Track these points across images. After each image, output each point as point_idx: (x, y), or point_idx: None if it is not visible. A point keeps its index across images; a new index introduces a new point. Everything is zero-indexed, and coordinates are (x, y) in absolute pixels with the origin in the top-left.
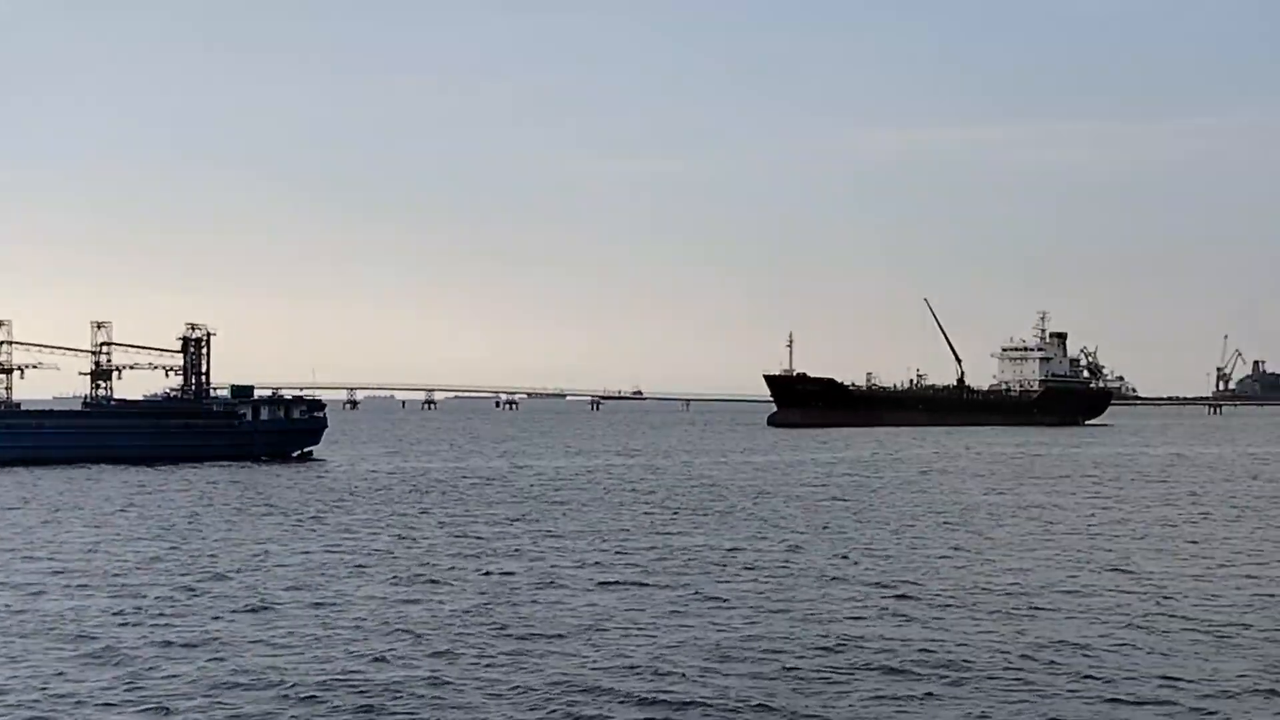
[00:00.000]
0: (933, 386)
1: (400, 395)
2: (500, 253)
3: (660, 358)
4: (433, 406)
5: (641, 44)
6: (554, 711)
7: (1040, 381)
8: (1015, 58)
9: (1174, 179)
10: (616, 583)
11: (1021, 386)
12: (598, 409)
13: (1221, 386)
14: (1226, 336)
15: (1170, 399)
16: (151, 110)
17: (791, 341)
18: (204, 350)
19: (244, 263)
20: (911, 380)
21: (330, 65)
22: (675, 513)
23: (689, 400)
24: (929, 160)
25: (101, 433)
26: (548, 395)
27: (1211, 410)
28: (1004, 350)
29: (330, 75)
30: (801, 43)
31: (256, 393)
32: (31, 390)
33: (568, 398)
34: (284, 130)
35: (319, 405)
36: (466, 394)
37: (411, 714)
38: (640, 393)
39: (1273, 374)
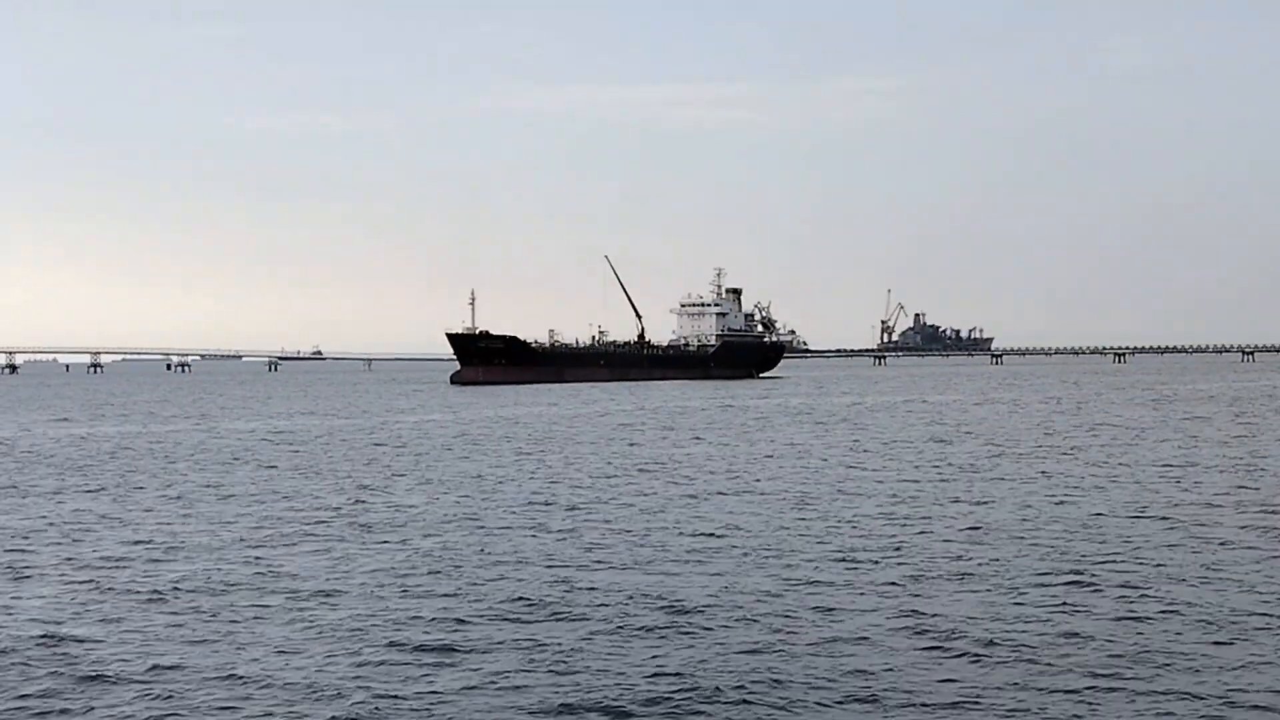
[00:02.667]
0: (614, 342)
1: (64, 359)
2: (171, 213)
3: (340, 318)
4: (99, 370)
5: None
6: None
7: (717, 336)
8: (679, 18)
9: (839, 138)
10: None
11: (699, 341)
12: (276, 370)
13: (885, 338)
14: (890, 290)
15: (839, 351)
16: None
17: (474, 299)
18: None
19: None
20: (593, 337)
21: None
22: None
23: (370, 360)
24: (604, 117)
25: None
26: (223, 357)
27: (876, 361)
28: (682, 306)
29: None
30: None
31: None
32: None
33: (244, 359)
34: None
35: None
36: (136, 356)
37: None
38: (320, 353)
39: (932, 326)
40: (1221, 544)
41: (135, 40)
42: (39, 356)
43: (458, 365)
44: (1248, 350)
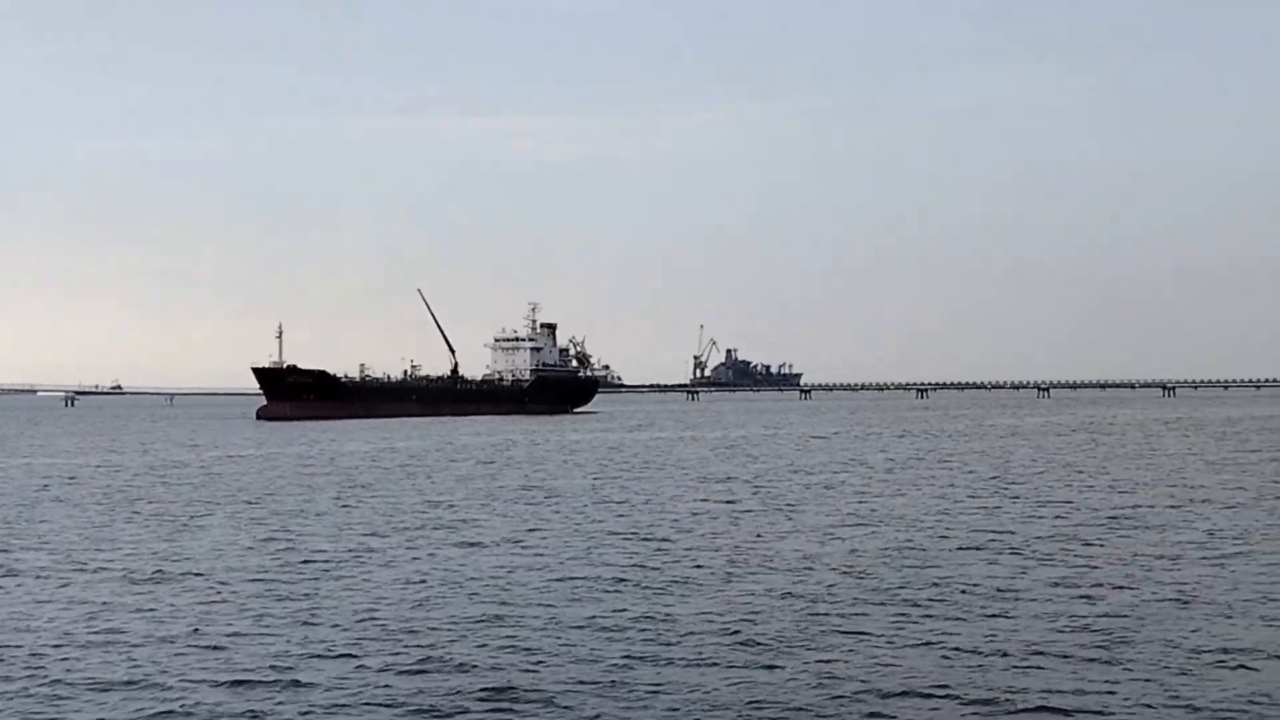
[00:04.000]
0: (426, 377)
1: None
2: None
3: (142, 351)
4: None
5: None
6: None
7: (532, 371)
8: (494, 48)
9: (652, 173)
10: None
11: (514, 376)
12: (73, 405)
13: (699, 374)
14: (702, 326)
15: (653, 386)
16: None
17: (281, 333)
18: None
19: None
20: (405, 371)
21: None
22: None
23: (173, 394)
24: (418, 148)
25: None
26: (15, 391)
27: (690, 396)
28: (496, 341)
29: None
30: (267, 22)
31: None
32: None
33: (39, 393)
34: None
35: None
36: None
37: None
38: (120, 387)
39: (744, 361)
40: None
41: None
42: None
43: (264, 399)
44: (1043, 387)
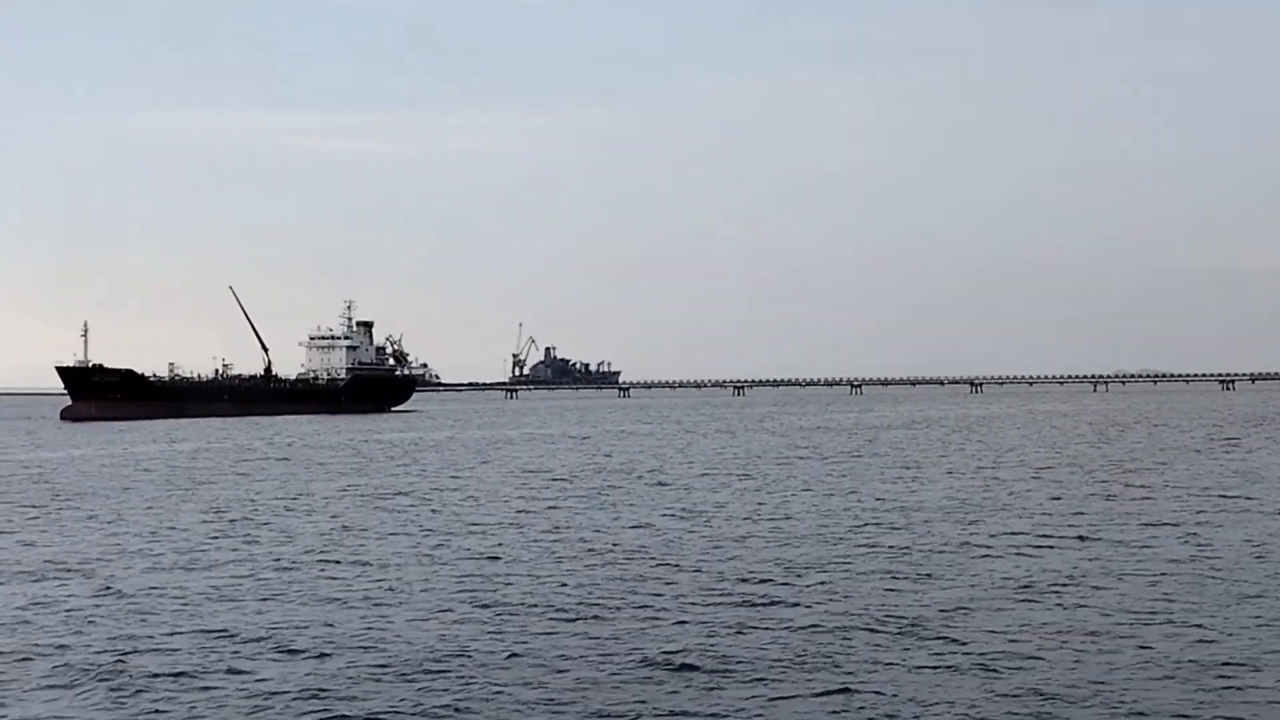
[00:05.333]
0: (239, 376)
1: None
2: None
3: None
4: None
5: None
6: None
7: (348, 369)
8: (298, 47)
9: (464, 171)
10: None
11: (329, 375)
12: None
13: (517, 372)
14: (521, 324)
15: (471, 384)
16: None
17: (86, 330)
18: None
19: None
20: (217, 370)
21: None
22: None
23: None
24: (226, 145)
25: None
26: None
27: (508, 394)
28: (311, 339)
29: None
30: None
31: None
32: None
33: None
34: None
35: None
36: None
37: None
38: None
39: (563, 359)
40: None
41: None
42: None
43: (69, 399)
44: (855, 384)
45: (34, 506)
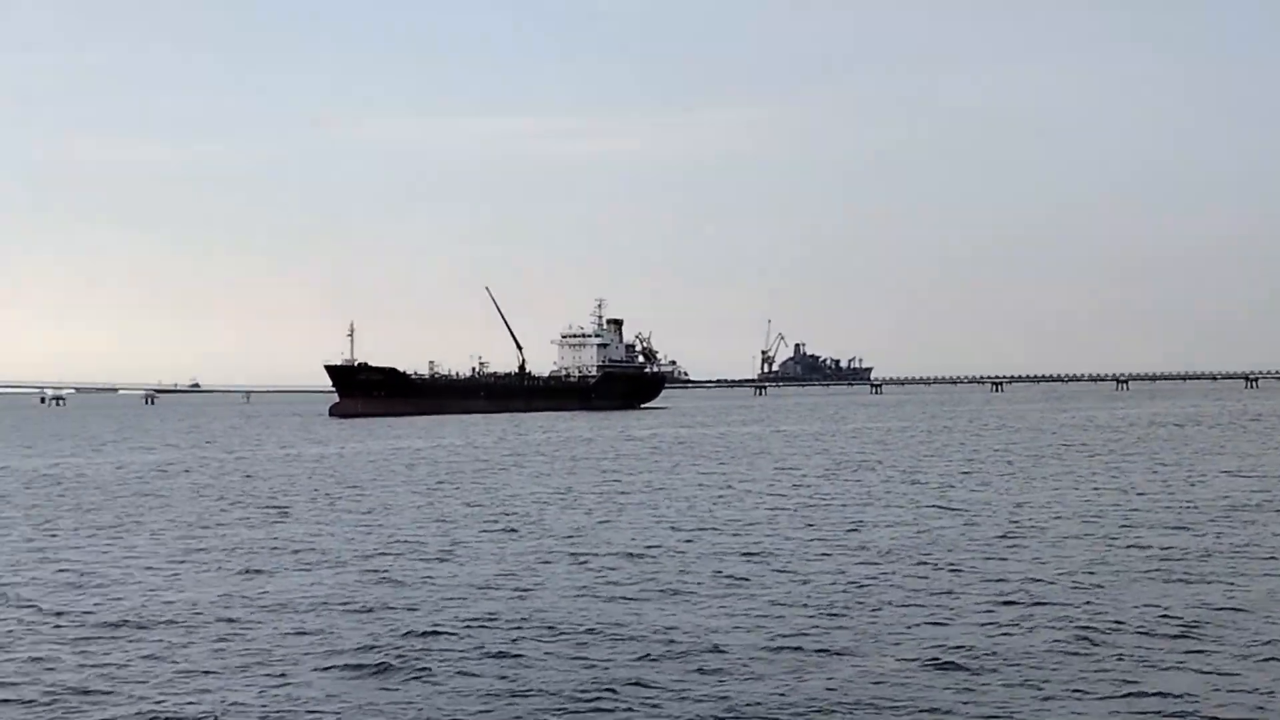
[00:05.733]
0: (494, 374)
1: None
2: (46, 242)
3: (219, 349)
4: None
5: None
6: None
7: (598, 367)
8: (541, 52)
9: (713, 168)
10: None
11: (580, 372)
12: (153, 403)
13: (766, 369)
14: (770, 320)
15: (720, 381)
16: None
17: (353, 331)
18: None
19: None
20: (473, 368)
21: None
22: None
23: (249, 392)
24: (481, 147)
25: None
26: (99, 390)
27: (757, 391)
28: (563, 337)
29: None
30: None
31: None
32: None
33: (120, 391)
34: None
35: None
36: (6, 389)
37: None
38: (198, 385)
39: (812, 356)
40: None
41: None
42: None
43: (336, 397)
44: (1122, 379)
45: (324, 495)
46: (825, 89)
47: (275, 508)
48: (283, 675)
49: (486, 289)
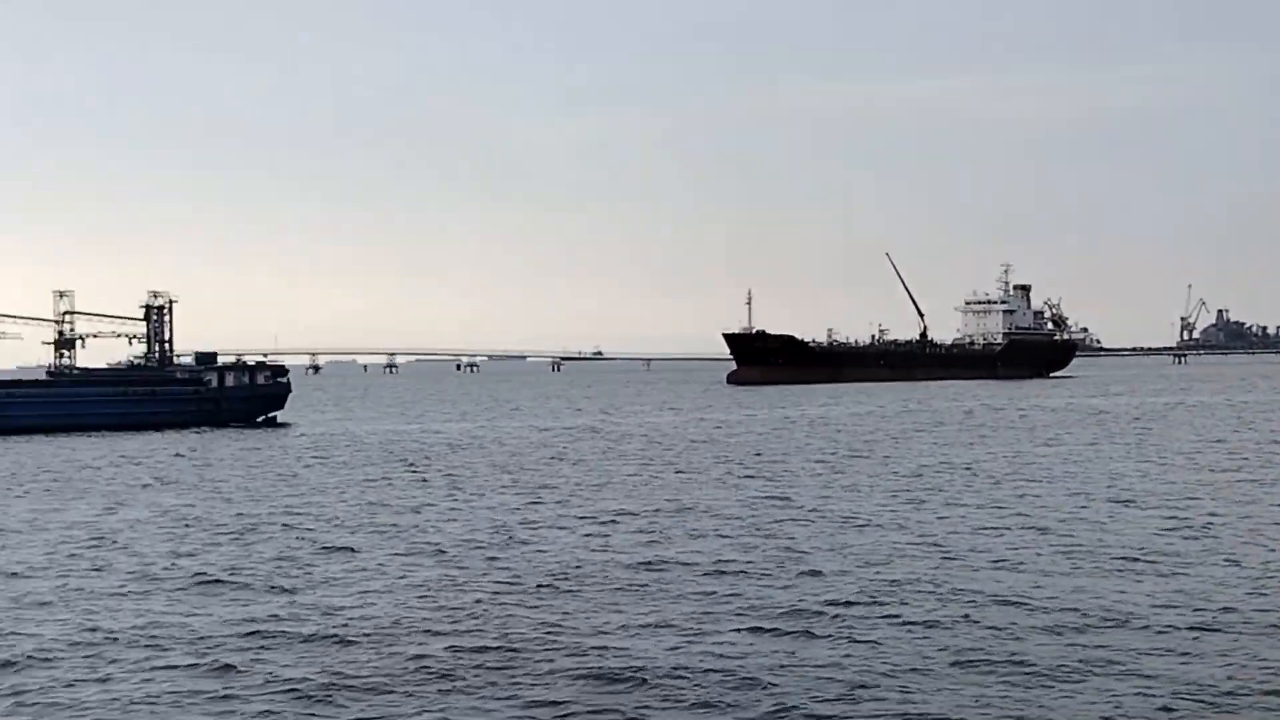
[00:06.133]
0: (894, 341)
1: (362, 359)
2: (457, 217)
3: (620, 318)
4: (394, 370)
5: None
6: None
7: (1004, 334)
8: (961, 7)
9: (1132, 126)
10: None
11: (985, 340)
12: (559, 370)
13: (1186, 336)
14: (1190, 285)
15: (1135, 349)
16: (109, 79)
17: (750, 299)
18: (166, 317)
19: (204, 230)
20: (873, 336)
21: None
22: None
23: (649, 360)
24: (885, 112)
25: (67, 402)
26: (509, 357)
27: (1176, 360)
28: (967, 303)
29: (277, 47)
30: None
31: (220, 359)
32: None
33: (528, 359)
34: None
35: (282, 370)
36: (428, 357)
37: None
38: (601, 353)
39: (1236, 322)
40: None
41: (425, 51)
42: (339, 357)
43: (734, 364)
44: None
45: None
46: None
47: (681, 471)
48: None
49: (887, 255)
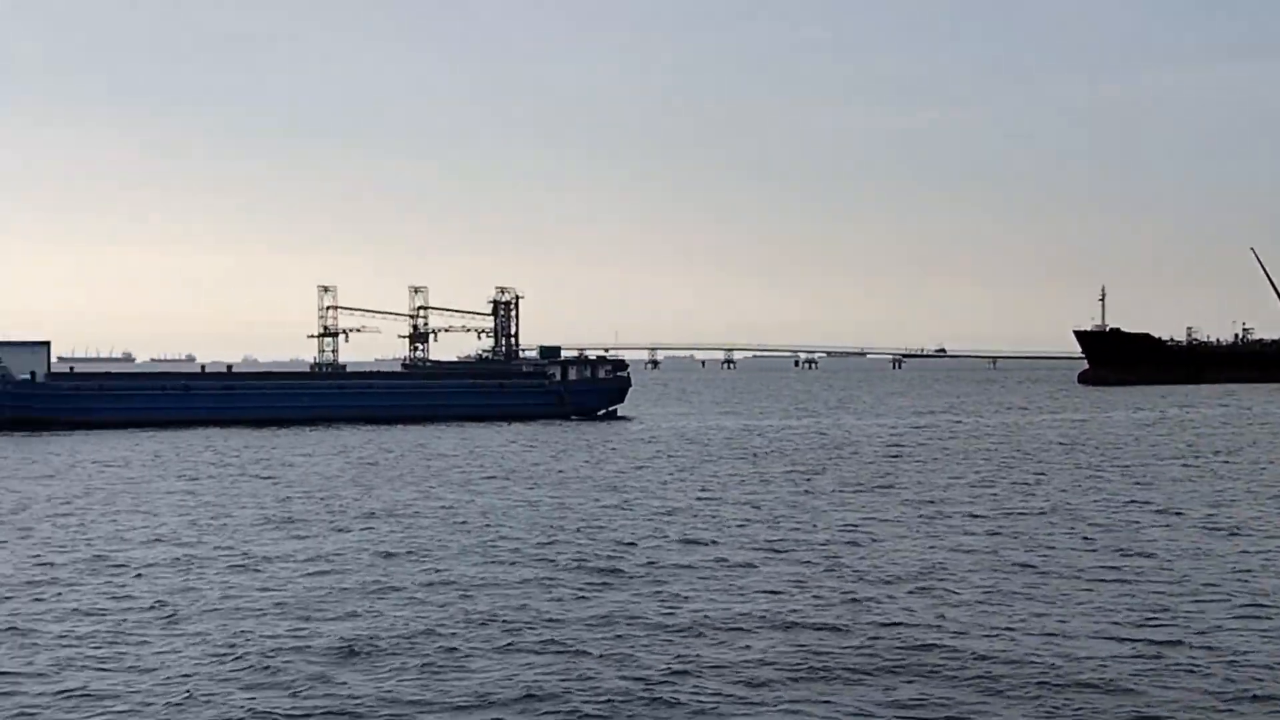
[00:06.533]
0: (1260, 341)
1: (700, 355)
2: (796, 212)
3: (964, 314)
4: (732, 366)
5: None
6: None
7: None
8: None
9: None
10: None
11: None
12: (900, 367)
13: None
14: None
15: None
16: (463, 75)
17: (1104, 295)
18: (513, 312)
19: (548, 226)
20: (1236, 335)
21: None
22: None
23: (994, 358)
24: (1248, 101)
25: (422, 393)
26: (847, 354)
27: None
28: None
29: (620, 38)
30: None
31: (563, 353)
32: (353, 353)
33: (868, 356)
34: (579, 96)
35: (623, 365)
36: (765, 353)
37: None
38: (944, 350)
39: None
40: None
41: (733, 42)
42: (677, 353)
43: (1084, 363)
44: None
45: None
46: None
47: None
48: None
49: (1251, 250)
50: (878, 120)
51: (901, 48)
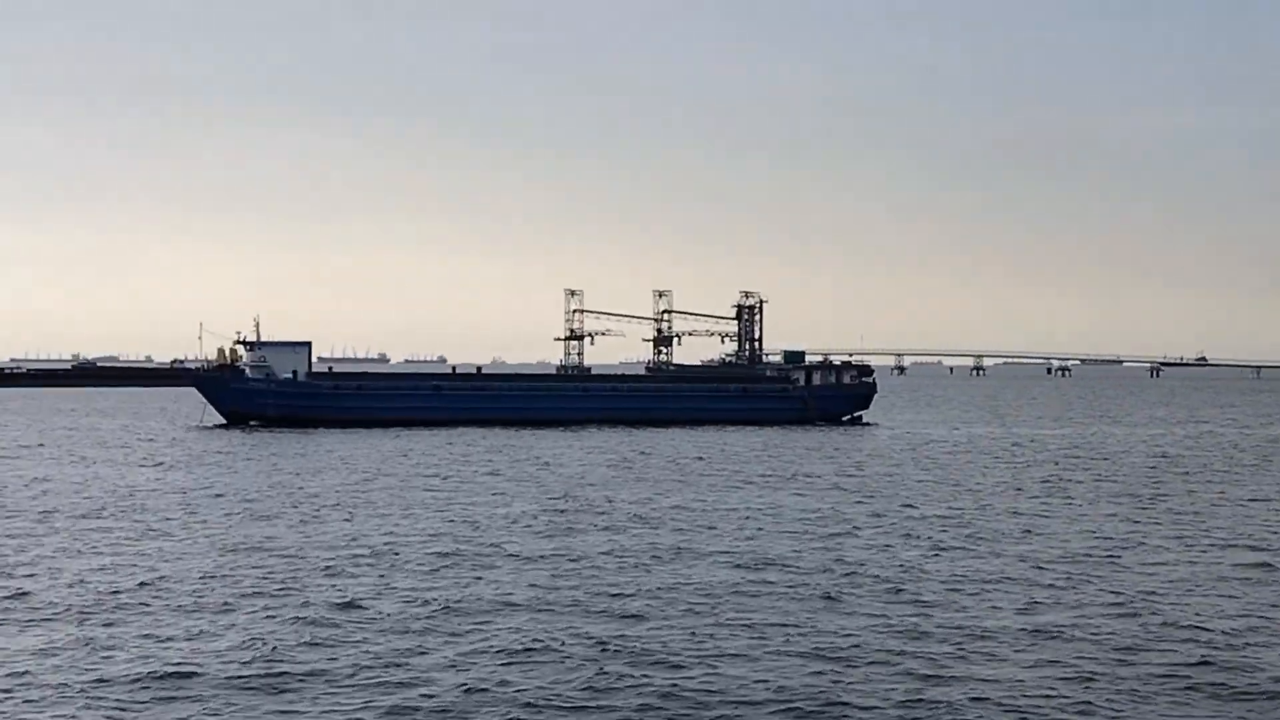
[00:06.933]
0: None
1: (948, 361)
2: (1048, 215)
3: (1225, 321)
4: (981, 373)
5: None
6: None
7: None
8: None
9: None
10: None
11: None
12: (1158, 376)
13: None
14: None
15: None
16: (684, 91)
17: None
18: (756, 317)
19: (793, 231)
20: None
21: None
22: None
23: (1260, 367)
24: None
25: (668, 396)
26: (1102, 361)
27: None
28: None
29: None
30: None
31: (807, 358)
32: (598, 356)
33: (1124, 364)
34: (809, 103)
35: (868, 370)
36: (1016, 360)
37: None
38: (1204, 358)
39: None
40: None
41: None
42: (924, 359)
43: None
44: None
45: None
46: None
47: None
48: None
49: None
50: (1120, 118)
51: (1127, 51)
